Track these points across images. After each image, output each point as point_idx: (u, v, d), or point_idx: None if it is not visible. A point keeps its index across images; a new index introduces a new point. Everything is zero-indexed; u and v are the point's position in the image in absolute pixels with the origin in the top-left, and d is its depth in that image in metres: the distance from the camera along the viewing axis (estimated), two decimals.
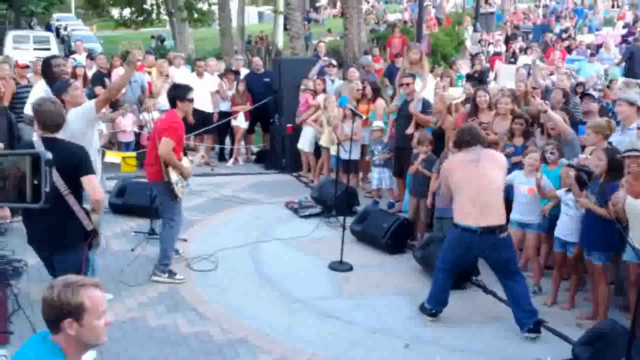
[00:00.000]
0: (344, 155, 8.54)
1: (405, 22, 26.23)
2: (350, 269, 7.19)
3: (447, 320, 6.00)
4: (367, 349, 5.43)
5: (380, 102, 10.10)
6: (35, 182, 1.00)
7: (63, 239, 4.64)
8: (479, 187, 5.63)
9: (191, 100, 6.77)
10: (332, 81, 11.80)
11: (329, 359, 5.28)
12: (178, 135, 6.57)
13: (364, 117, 9.34)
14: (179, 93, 6.69)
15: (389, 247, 7.72)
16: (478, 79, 12.08)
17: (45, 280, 6.29)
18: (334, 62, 13.12)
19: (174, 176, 6.52)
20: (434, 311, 6.01)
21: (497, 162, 5.88)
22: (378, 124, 9.48)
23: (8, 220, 7.95)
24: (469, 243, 5.66)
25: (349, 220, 8.05)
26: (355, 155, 9.72)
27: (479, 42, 20.31)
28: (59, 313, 2.56)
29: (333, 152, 9.53)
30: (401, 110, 9.06)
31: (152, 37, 29.98)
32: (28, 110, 7.36)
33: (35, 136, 5.04)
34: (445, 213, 6.88)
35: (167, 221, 6.72)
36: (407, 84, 8.91)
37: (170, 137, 6.46)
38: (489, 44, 20.04)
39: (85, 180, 4.51)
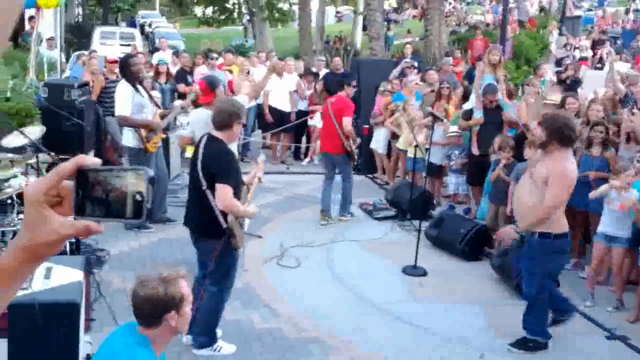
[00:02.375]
0: (432, 159, 8.60)
1: (487, 25, 25.75)
2: (424, 273, 7.12)
3: (519, 333, 5.85)
4: (441, 358, 5.37)
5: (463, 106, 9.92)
6: (138, 198, 1.03)
7: (201, 230, 5.01)
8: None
9: (355, 86, 8.73)
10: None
11: None
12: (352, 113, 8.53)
13: (445, 120, 9.20)
14: (345, 81, 8.68)
15: (465, 253, 7.60)
16: (569, 86, 11.64)
17: (127, 270, 6.57)
18: (416, 64, 13.01)
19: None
20: (544, 342, 5.54)
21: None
22: (454, 129, 9.33)
23: None
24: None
25: (424, 225, 7.98)
26: (439, 159, 9.57)
27: (565, 46, 19.73)
28: (165, 307, 2.73)
29: (410, 154, 9.46)
30: (486, 119, 8.87)
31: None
32: (120, 111, 7.62)
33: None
34: None
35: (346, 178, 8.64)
36: (492, 101, 8.72)
37: (349, 116, 8.32)
38: (575, 48, 19.44)
39: (219, 187, 4.75)
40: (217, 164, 4.80)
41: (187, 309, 2.83)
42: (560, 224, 5.20)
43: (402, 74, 11.86)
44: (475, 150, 8.78)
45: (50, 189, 0.99)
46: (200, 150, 4.93)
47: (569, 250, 5.58)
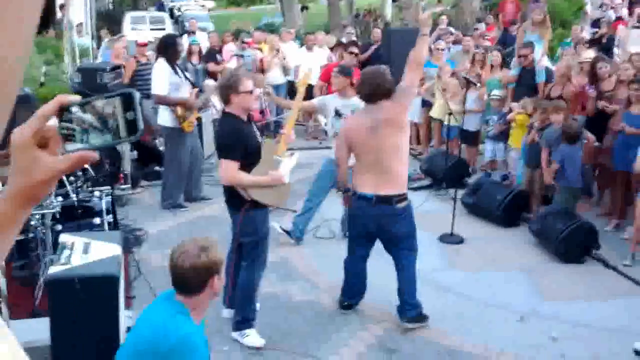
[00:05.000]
0: (467, 126, 8.39)
1: None
2: (461, 241, 7.06)
3: (565, 295, 5.79)
4: (482, 322, 5.34)
5: (504, 70, 9.73)
6: (129, 117, 1.04)
7: (227, 203, 5.05)
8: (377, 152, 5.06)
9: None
10: (449, 49, 11.56)
11: (441, 331, 5.23)
12: None
13: (479, 85, 9.05)
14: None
15: (502, 219, 7.51)
16: (602, 45, 11.38)
17: (165, 249, 6.64)
18: (452, 30, 12.81)
19: None
20: (345, 303, 5.56)
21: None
22: (497, 92, 9.12)
23: (130, 192, 8.38)
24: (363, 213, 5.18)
25: (460, 193, 7.90)
26: (474, 126, 9.44)
27: (600, 6, 19.22)
28: (209, 272, 2.93)
29: (445, 122, 9.34)
30: (521, 79, 8.74)
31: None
32: (156, 90, 7.67)
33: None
34: (570, 183, 6.62)
35: None
36: (525, 56, 8.54)
37: None
38: (611, 7, 18.93)
39: (220, 163, 4.88)
40: (219, 140, 4.92)
41: (223, 273, 3.01)
42: None
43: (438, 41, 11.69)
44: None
45: (36, 132, 0.99)
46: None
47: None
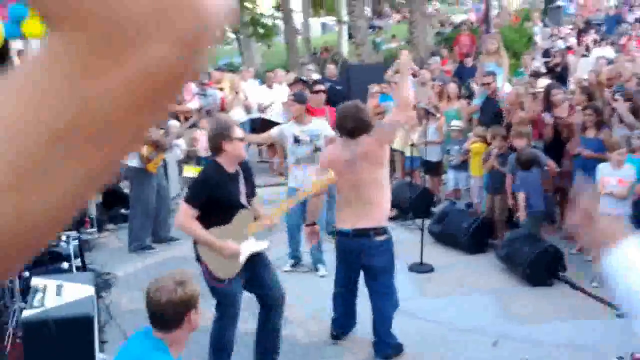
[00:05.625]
0: (429, 157, 8.57)
1: (472, 23, 25.95)
2: (431, 270, 7.14)
3: (535, 318, 5.88)
4: (457, 348, 5.40)
5: (461, 101, 9.95)
6: None
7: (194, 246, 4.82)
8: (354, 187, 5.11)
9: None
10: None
11: (417, 357, 5.26)
12: None
13: (439, 116, 9.24)
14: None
15: (470, 246, 7.63)
16: (558, 74, 11.72)
17: (134, 291, 6.57)
18: (415, 67, 13.03)
19: None
20: (334, 333, 5.59)
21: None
22: (457, 123, 9.31)
23: (97, 236, 8.29)
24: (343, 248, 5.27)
25: (427, 222, 8.01)
26: (436, 156, 9.58)
27: (550, 37, 19.89)
28: (187, 306, 2.86)
29: (407, 154, 9.50)
30: (483, 109, 8.95)
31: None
32: None
33: None
34: (533, 208, 6.80)
35: None
36: (488, 84, 8.77)
37: None
38: (559, 38, 19.60)
39: (180, 206, 4.83)
40: (190, 182, 4.73)
41: (200, 307, 2.98)
42: None
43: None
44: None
45: None
46: None
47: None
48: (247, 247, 4.62)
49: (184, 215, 4.52)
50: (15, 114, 0.48)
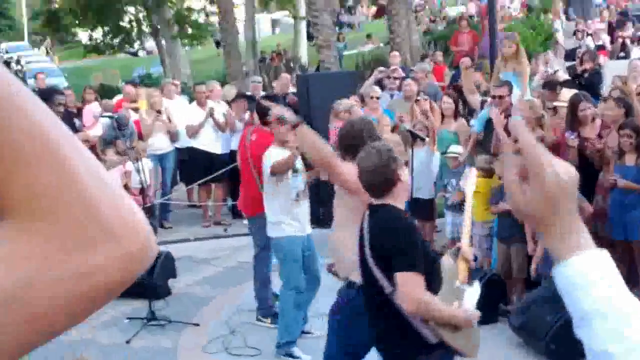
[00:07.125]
0: (418, 194, 8.70)
1: (470, 16, 26.34)
2: None
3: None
4: None
5: (460, 120, 10.07)
6: None
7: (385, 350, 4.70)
8: None
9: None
10: (392, 96, 11.93)
11: None
12: None
13: (428, 139, 9.23)
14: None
15: None
16: (586, 83, 11.83)
17: None
18: (401, 73, 13.09)
19: None
20: None
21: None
22: (455, 149, 9.25)
23: None
24: None
25: None
26: (427, 193, 9.57)
27: (574, 34, 20.24)
28: None
29: None
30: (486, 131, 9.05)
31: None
32: None
33: None
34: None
35: None
36: (501, 97, 8.87)
37: None
38: (587, 35, 19.95)
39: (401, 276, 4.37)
40: (390, 241, 4.39)
41: None
42: None
43: (381, 87, 11.93)
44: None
45: None
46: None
47: None
48: (471, 301, 4.45)
49: (419, 287, 4.14)
50: None
